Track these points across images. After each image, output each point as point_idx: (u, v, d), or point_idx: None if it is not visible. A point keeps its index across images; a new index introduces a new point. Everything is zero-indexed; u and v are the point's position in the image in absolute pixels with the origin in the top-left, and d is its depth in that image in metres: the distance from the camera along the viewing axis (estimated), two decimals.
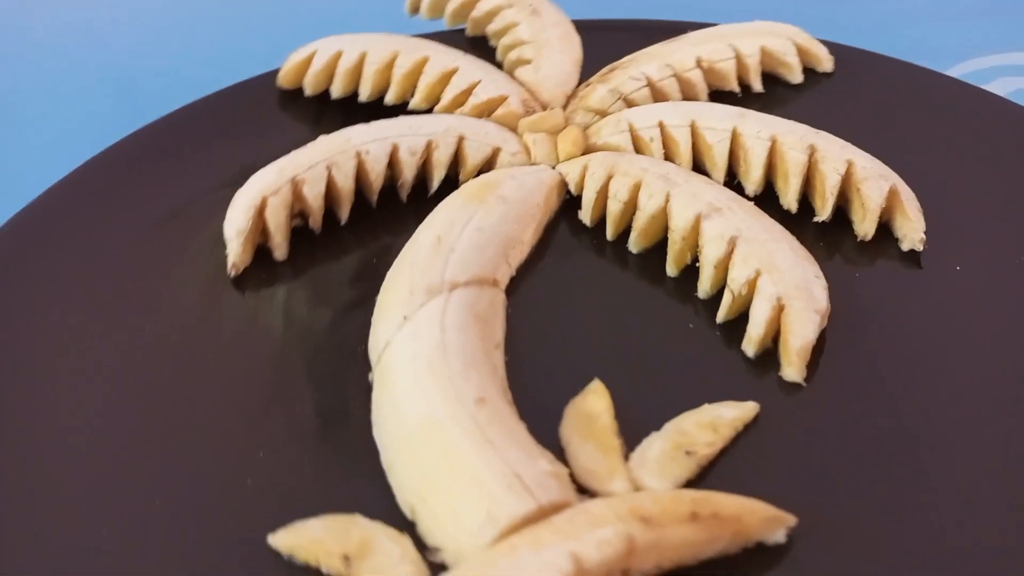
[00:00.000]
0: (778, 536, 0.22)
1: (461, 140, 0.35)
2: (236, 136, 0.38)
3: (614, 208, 0.33)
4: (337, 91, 0.39)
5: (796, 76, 0.40)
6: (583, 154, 0.35)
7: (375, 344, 0.28)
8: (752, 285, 0.28)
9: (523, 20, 0.41)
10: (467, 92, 0.37)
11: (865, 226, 0.32)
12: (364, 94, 0.39)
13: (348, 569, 0.21)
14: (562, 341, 0.29)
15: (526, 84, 0.39)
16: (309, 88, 0.40)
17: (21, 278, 0.31)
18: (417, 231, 0.31)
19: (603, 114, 0.37)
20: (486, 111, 0.37)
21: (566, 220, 0.34)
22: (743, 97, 0.39)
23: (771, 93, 0.39)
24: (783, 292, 0.28)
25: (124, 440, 0.26)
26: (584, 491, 0.23)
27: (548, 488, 0.22)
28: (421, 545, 0.22)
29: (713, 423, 0.25)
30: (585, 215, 0.34)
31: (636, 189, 0.32)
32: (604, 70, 0.39)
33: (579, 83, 0.39)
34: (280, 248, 0.32)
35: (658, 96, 0.38)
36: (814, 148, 0.33)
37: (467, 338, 0.26)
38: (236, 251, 0.31)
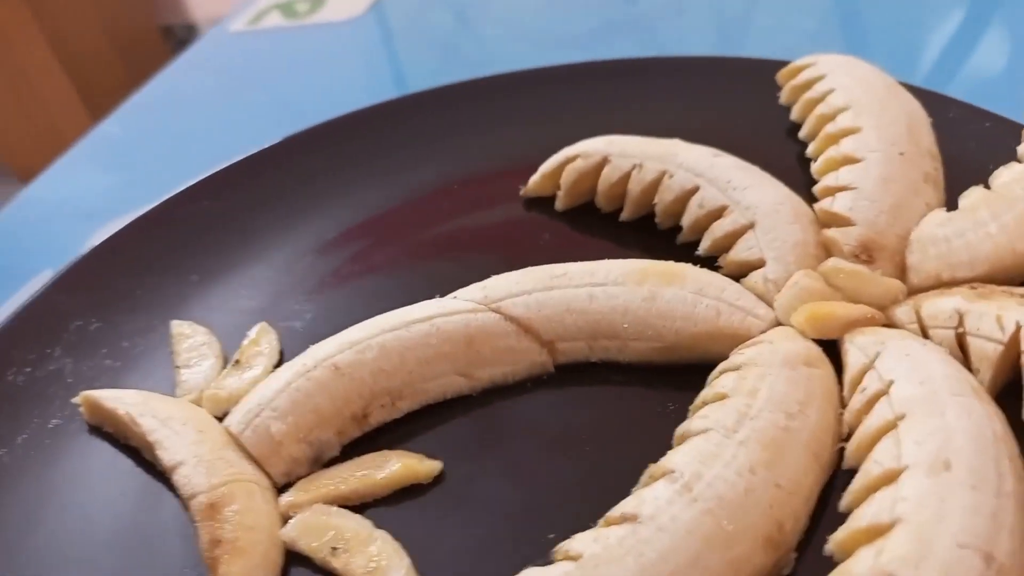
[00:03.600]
0: None
1: (747, 227, 0.29)
2: None
3: (699, 398, 0.25)
4: (795, 115, 0.34)
5: None
6: (817, 338, 0.26)
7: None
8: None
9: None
10: (836, 190, 0.29)
11: None
12: (802, 133, 0.33)
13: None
14: (523, 435, 0.28)
15: (917, 232, 0.27)
16: (784, 96, 0.35)
17: None
18: (588, 263, 0.30)
19: (924, 331, 0.25)
20: (825, 221, 0.29)
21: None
22: None
23: None
24: None
25: None
26: None
27: None
28: None
29: None
30: (708, 385, 0.27)
31: (710, 407, 0.24)
32: (1002, 288, 0.25)
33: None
34: (560, 200, 0.35)
35: (1005, 370, 0.23)
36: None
37: (427, 342, 0.28)
38: (534, 179, 0.36)
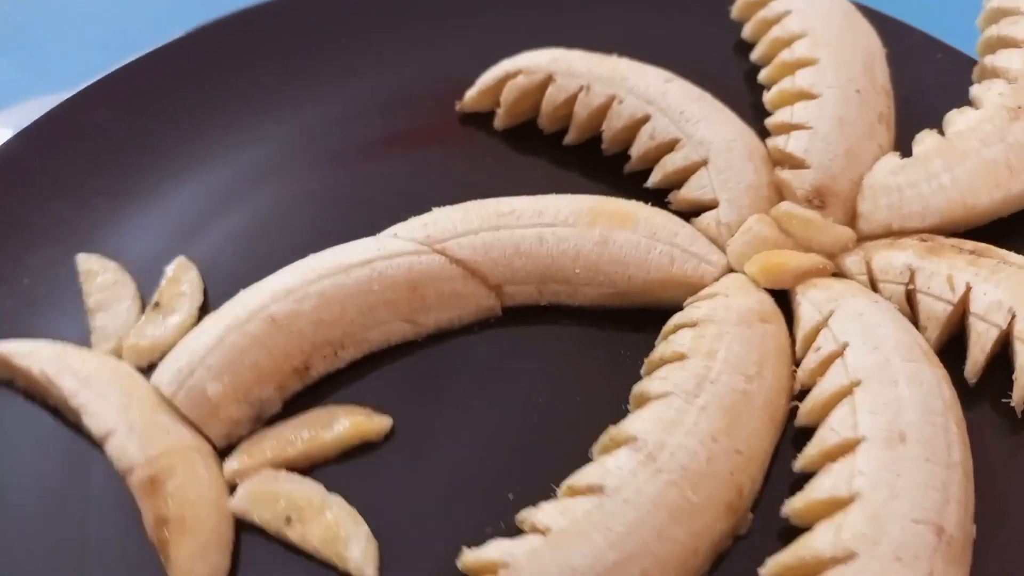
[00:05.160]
0: None
1: (699, 163, 0.29)
2: None
3: (655, 354, 0.25)
4: (747, 33, 0.33)
5: None
6: (770, 287, 0.26)
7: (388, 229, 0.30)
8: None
9: (988, 107, 0.27)
10: (791, 127, 0.28)
11: None
12: (754, 55, 0.32)
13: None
14: (470, 382, 0.27)
15: (868, 177, 0.27)
16: (745, 33, 0.34)
17: None
18: (533, 196, 0.29)
19: (873, 284, 0.26)
20: (778, 161, 0.28)
21: None
22: None
23: None
24: None
25: None
26: None
27: None
28: None
29: None
30: (659, 344, 0.26)
31: (668, 368, 0.24)
32: (968, 244, 0.25)
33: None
34: (499, 119, 0.33)
35: (952, 331, 0.24)
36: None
37: (369, 288, 0.27)
38: (471, 94, 0.34)
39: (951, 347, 0.25)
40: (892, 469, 0.21)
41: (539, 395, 0.27)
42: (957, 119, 0.27)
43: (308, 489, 0.24)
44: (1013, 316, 0.23)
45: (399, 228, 0.29)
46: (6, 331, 0.28)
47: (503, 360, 0.28)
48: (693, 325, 0.25)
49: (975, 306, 0.24)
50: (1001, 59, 0.28)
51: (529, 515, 0.23)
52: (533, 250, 0.28)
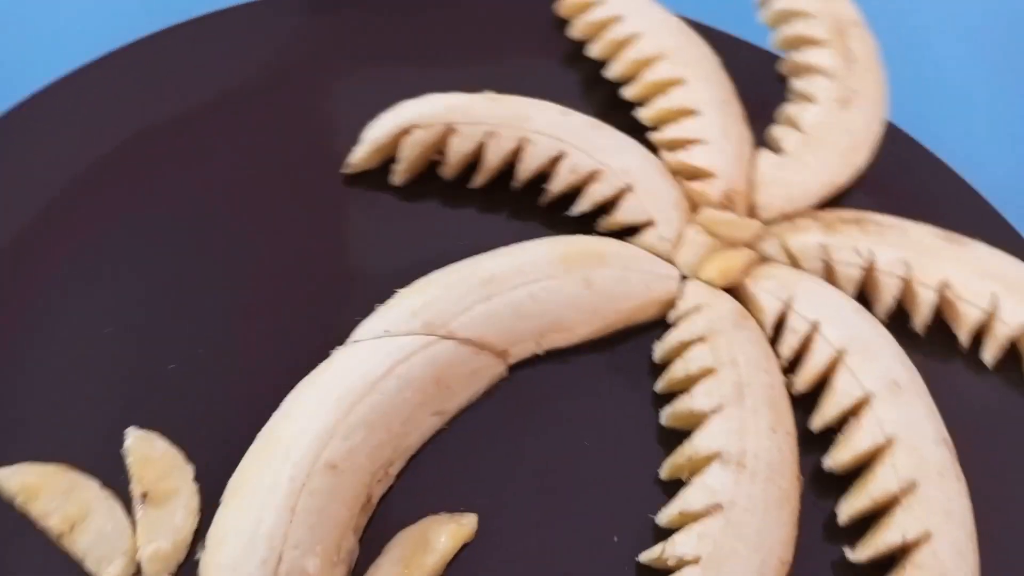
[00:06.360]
0: None
1: (626, 190, 0.32)
2: None
3: (677, 371, 0.29)
4: (595, 52, 0.36)
5: None
6: (729, 290, 0.31)
7: (361, 327, 0.28)
8: (681, 563, 0.25)
9: (822, 101, 0.34)
10: (687, 142, 0.33)
11: None
12: (612, 72, 0.35)
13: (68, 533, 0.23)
14: (514, 449, 0.28)
15: (756, 174, 0.33)
16: (575, 31, 0.37)
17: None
18: (495, 251, 0.30)
19: (795, 263, 0.32)
20: (686, 174, 0.33)
21: (652, 335, 0.31)
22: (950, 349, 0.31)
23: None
24: None
25: None
26: None
27: None
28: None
29: None
30: (658, 351, 0.30)
31: (705, 373, 0.28)
32: (848, 215, 0.32)
33: (819, 207, 0.33)
34: (398, 175, 0.32)
35: (869, 288, 0.31)
36: (913, 486, 0.26)
37: (402, 398, 0.26)
38: (361, 155, 0.32)
39: None
40: (906, 410, 0.27)
41: (583, 437, 0.29)
42: (803, 114, 0.34)
43: None
44: (909, 267, 0.31)
45: (381, 323, 0.28)
46: None
47: (527, 418, 0.29)
48: (702, 340, 0.29)
49: (880, 265, 0.31)
50: (810, 56, 0.35)
51: (671, 550, 0.25)
52: (531, 310, 0.29)
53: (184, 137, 0.33)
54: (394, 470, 0.27)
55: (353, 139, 0.33)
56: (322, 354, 0.27)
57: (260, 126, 0.33)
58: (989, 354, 0.30)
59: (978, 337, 0.31)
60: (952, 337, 0.31)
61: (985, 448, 0.29)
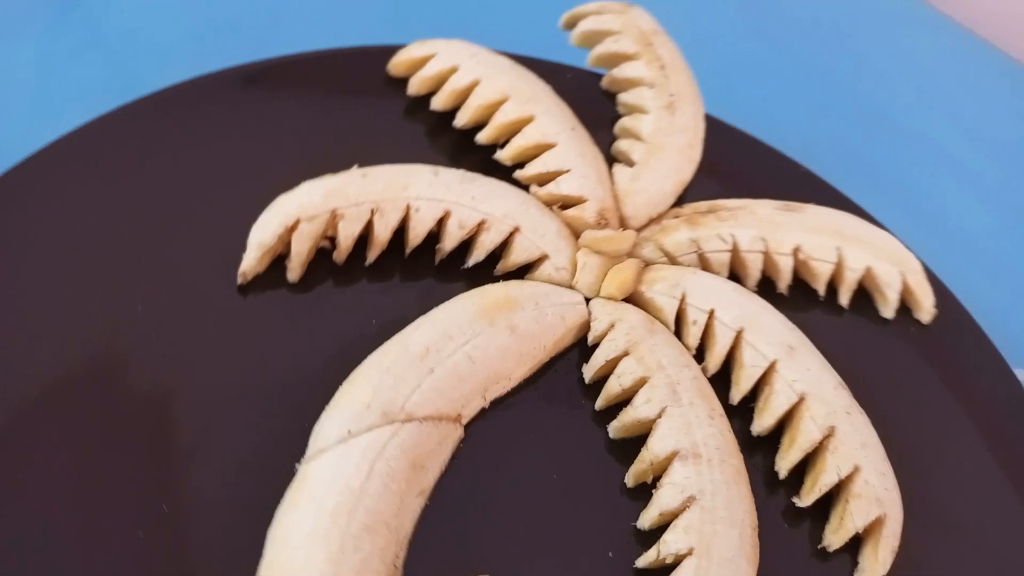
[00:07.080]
0: None
1: (515, 232, 0.34)
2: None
3: (613, 387, 0.31)
4: (438, 105, 0.37)
5: (886, 311, 0.36)
6: (627, 299, 0.34)
7: (317, 433, 0.28)
8: (679, 558, 0.28)
9: (652, 110, 0.38)
10: (553, 175, 0.35)
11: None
12: (460, 121, 0.37)
13: None
14: (493, 501, 0.29)
15: (617, 188, 0.36)
16: (412, 88, 0.38)
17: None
18: (416, 323, 0.31)
19: (673, 260, 0.35)
20: (560, 204, 0.35)
21: (571, 358, 0.33)
22: (812, 301, 0.36)
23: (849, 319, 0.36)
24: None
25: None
26: None
27: None
28: None
29: None
30: (587, 372, 0.32)
31: (640, 384, 0.31)
32: (702, 206, 0.36)
33: (675, 204, 0.37)
34: (294, 272, 0.32)
35: (737, 266, 0.36)
36: (832, 430, 0.31)
37: (389, 492, 0.27)
38: (251, 261, 0.32)
39: None
40: (805, 366, 0.32)
41: (549, 471, 0.30)
42: (639, 125, 0.37)
43: None
44: (765, 241, 0.35)
45: (339, 424, 0.28)
46: None
47: (494, 469, 0.30)
48: (627, 354, 0.32)
49: (742, 245, 0.35)
50: (628, 70, 0.38)
51: (667, 549, 0.28)
52: (471, 370, 0.30)
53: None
54: (400, 562, 0.27)
55: (236, 246, 0.32)
56: (284, 473, 0.27)
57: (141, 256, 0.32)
58: (844, 298, 0.36)
59: (832, 286, 0.36)
60: (811, 291, 0.36)
61: (864, 378, 0.34)
